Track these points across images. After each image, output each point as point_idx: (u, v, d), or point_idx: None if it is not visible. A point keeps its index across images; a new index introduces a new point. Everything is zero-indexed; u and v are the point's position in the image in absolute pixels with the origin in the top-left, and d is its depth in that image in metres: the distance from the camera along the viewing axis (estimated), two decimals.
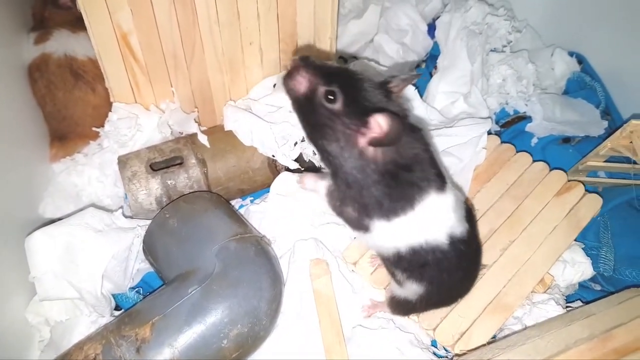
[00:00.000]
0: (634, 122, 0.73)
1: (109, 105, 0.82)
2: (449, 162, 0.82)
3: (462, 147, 0.83)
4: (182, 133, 0.85)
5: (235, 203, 0.85)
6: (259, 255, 0.66)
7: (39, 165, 0.83)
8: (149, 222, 0.72)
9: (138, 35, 0.75)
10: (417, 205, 0.56)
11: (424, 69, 1.10)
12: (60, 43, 0.82)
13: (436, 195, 0.57)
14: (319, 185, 0.64)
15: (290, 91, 0.57)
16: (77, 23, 0.83)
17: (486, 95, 0.98)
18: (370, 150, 0.55)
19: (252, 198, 0.86)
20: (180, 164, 0.78)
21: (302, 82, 0.56)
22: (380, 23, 1.06)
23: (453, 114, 0.95)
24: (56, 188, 0.81)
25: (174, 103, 0.84)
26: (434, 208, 0.57)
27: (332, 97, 0.54)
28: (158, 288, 0.67)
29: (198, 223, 0.69)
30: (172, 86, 0.83)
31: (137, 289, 0.74)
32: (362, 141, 0.54)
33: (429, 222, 0.58)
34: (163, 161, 0.78)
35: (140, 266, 0.74)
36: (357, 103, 0.54)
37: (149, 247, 0.70)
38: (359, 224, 0.60)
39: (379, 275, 0.74)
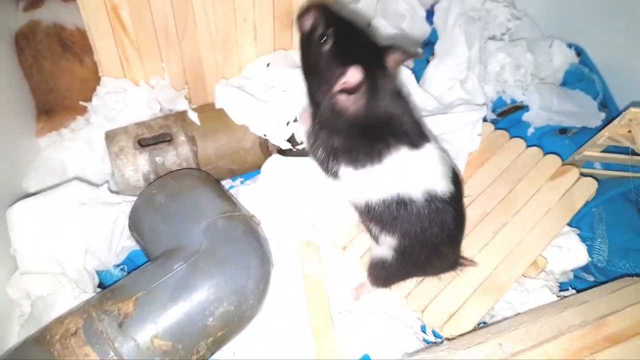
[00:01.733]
0: (633, 109, 0.72)
1: (97, 79, 0.80)
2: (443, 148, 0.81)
3: (456, 133, 0.82)
4: (171, 111, 0.83)
5: (225, 184, 0.83)
6: (247, 234, 0.65)
7: (24, 139, 0.80)
8: (135, 198, 0.70)
9: (129, 8, 0.73)
10: (385, 159, 0.59)
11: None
12: (51, 11, 0.80)
13: (408, 150, 0.60)
14: (307, 122, 0.66)
15: (299, 26, 0.61)
16: None
17: (483, 83, 0.96)
18: (344, 98, 0.58)
19: (242, 179, 0.84)
20: (169, 140, 0.76)
21: (307, 20, 0.60)
22: (378, 7, 1.04)
23: (449, 100, 0.93)
24: (41, 163, 0.79)
25: (164, 79, 0.82)
26: (406, 163, 0.60)
27: (325, 39, 0.58)
28: (143, 264, 0.66)
29: (186, 200, 0.67)
30: (162, 62, 0.81)
31: (121, 267, 0.72)
32: (337, 86, 0.57)
33: (401, 176, 0.60)
34: (152, 137, 0.76)
35: (126, 244, 0.73)
36: (344, 51, 0.58)
37: (135, 224, 0.68)
38: (328, 168, 0.63)
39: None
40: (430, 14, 1.08)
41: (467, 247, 0.72)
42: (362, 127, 0.59)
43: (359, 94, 0.57)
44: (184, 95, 0.80)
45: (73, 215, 0.64)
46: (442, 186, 0.61)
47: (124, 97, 0.78)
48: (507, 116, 0.99)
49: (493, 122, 0.96)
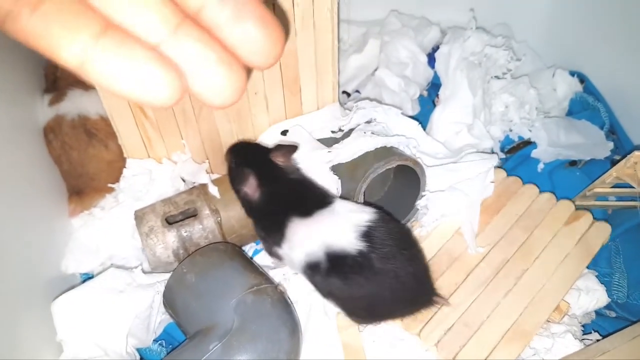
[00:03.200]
0: (637, 153, 0.75)
1: (122, 160, 0.85)
2: (457, 198, 0.84)
3: (469, 182, 0.84)
4: (194, 183, 0.87)
5: (250, 248, 0.87)
6: (275, 307, 0.68)
7: (58, 221, 0.85)
8: (167, 275, 0.74)
9: None
10: (286, 233, 0.72)
11: (427, 98, 1.12)
12: (74, 103, 0.86)
13: (299, 219, 0.71)
14: None
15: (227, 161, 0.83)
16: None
17: (489, 125, 0.99)
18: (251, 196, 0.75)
19: None
20: (194, 215, 0.80)
21: (227, 156, 0.83)
22: (381, 58, 1.08)
23: (457, 146, 0.96)
24: (76, 243, 0.84)
25: (185, 154, 0.87)
26: (301, 230, 0.71)
27: (233, 160, 0.80)
28: (180, 343, 0.70)
29: (215, 277, 0.71)
30: (182, 139, 0.86)
31: (159, 342, 0.76)
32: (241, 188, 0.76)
33: (299, 244, 0.71)
34: (178, 214, 0.80)
35: (162, 318, 0.77)
36: (243, 162, 0.78)
37: (169, 302, 0.72)
38: (270, 251, 0.79)
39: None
40: (431, 58, 1.11)
41: (492, 292, 0.75)
42: (267, 210, 0.75)
43: (252, 184, 0.74)
44: (205, 169, 0.85)
45: (112, 303, 0.68)
46: (345, 242, 0.67)
47: (149, 176, 0.83)
48: (515, 153, 1.01)
49: (502, 160, 0.99)
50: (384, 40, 1.09)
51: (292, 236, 0.72)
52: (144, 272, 0.75)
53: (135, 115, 0.80)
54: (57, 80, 0.89)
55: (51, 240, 0.82)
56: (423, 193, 0.85)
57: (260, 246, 0.87)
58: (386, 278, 0.67)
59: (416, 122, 0.90)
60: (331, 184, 0.81)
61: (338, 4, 0.79)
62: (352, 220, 0.69)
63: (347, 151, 0.82)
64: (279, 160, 0.77)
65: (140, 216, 0.79)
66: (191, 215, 0.81)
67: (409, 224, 0.87)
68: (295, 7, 0.76)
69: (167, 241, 0.78)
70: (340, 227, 0.69)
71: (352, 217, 0.70)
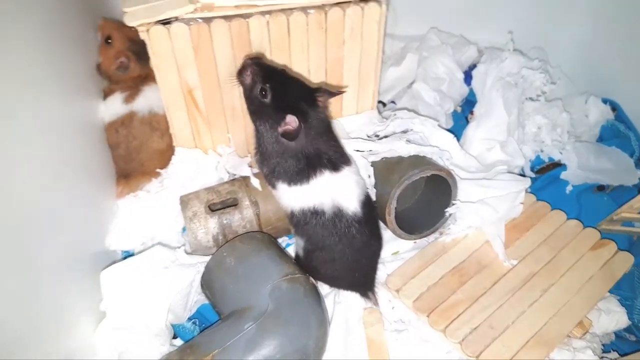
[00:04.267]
0: None
1: (172, 150, 0.91)
2: (486, 212, 0.87)
3: (499, 199, 0.87)
4: (236, 175, 0.92)
5: (282, 241, 0.92)
6: (307, 296, 0.72)
7: (106, 201, 0.91)
8: (206, 258, 0.79)
9: (202, 90, 0.84)
10: (311, 180, 0.75)
11: (460, 114, 1.16)
12: (147, 100, 0.92)
13: (329, 174, 0.75)
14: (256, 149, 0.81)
15: (240, 81, 0.77)
16: None
17: (522, 144, 1.02)
18: (285, 138, 0.72)
19: None
20: (235, 205, 0.85)
21: (247, 77, 0.75)
22: (418, 72, 1.12)
23: (489, 161, 0.99)
24: (120, 222, 0.89)
25: (229, 148, 0.92)
26: (325, 184, 0.75)
27: (264, 93, 0.73)
28: (215, 322, 0.74)
29: (252, 262, 0.75)
30: (228, 133, 0.91)
31: (193, 320, 0.80)
32: (279, 130, 0.72)
33: (320, 193, 0.75)
34: (220, 202, 0.85)
35: (197, 298, 0.81)
36: (281, 101, 0.73)
37: (207, 283, 0.77)
38: (269, 181, 0.80)
39: (422, 302, 0.79)
40: (467, 76, 1.15)
41: (519, 301, 0.78)
42: (298, 158, 0.75)
43: (296, 134, 0.71)
44: (248, 163, 0.90)
45: (157, 278, 0.73)
46: (350, 205, 0.76)
47: (195, 165, 0.88)
48: (545, 173, 1.04)
49: (532, 179, 1.02)
50: (423, 56, 1.13)
51: (314, 184, 0.75)
52: (185, 252, 0.80)
53: (188, 108, 0.86)
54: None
55: (99, 217, 0.87)
56: (453, 202, 0.88)
57: (291, 240, 0.92)
58: (356, 247, 0.77)
59: (452, 135, 0.94)
60: (363, 170, 0.85)
61: (385, 17, 0.84)
62: (360, 186, 0.79)
63: (381, 148, 0.87)
64: (321, 101, 0.75)
65: (185, 201, 0.84)
66: (232, 204, 0.85)
67: (437, 232, 0.91)
68: (345, 18, 0.81)
69: (209, 226, 0.82)
70: (351, 190, 0.77)
71: (360, 182, 0.79)
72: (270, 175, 0.78)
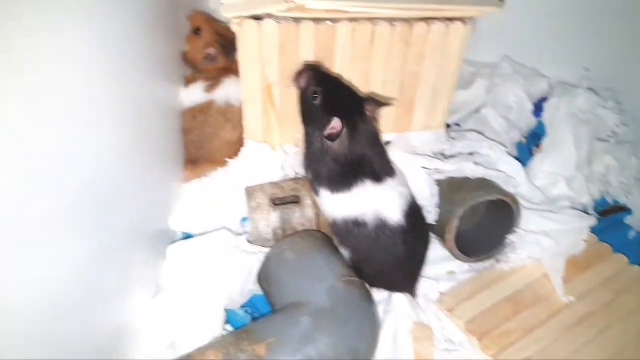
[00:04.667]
0: None
1: (240, 142, 0.94)
2: (547, 244, 0.86)
3: (562, 233, 0.86)
4: (298, 174, 0.94)
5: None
6: (362, 300, 0.72)
7: (173, 183, 0.93)
8: (265, 249, 0.80)
9: (280, 87, 0.86)
10: (353, 189, 0.77)
11: (524, 145, 1.15)
12: (226, 91, 0.95)
13: (371, 184, 0.77)
14: (301, 154, 0.83)
15: (295, 84, 0.80)
16: None
17: (588, 183, 1.00)
18: (330, 140, 0.74)
19: None
20: (297, 202, 0.86)
21: (302, 80, 0.79)
22: (488, 98, 1.13)
23: (553, 195, 0.98)
24: (184, 205, 0.92)
25: (296, 147, 0.94)
26: (368, 193, 0.76)
27: (315, 96, 0.76)
28: (268, 312, 0.75)
29: (311, 258, 0.76)
30: (297, 133, 0.93)
31: (245, 308, 0.81)
32: (324, 132, 0.74)
33: (361, 202, 0.77)
34: (282, 197, 0.87)
35: (251, 288, 0.82)
36: (330, 105, 0.76)
37: (265, 273, 0.78)
38: (313, 187, 0.82)
39: (475, 325, 0.77)
40: (536, 107, 1.15)
41: (573, 337, 0.76)
42: (341, 162, 0.76)
43: (341, 138, 0.74)
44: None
45: (220, 260, 0.75)
46: (393, 216, 0.77)
47: (262, 159, 0.90)
48: (608, 215, 1.01)
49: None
50: (494, 82, 1.13)
51: (355, 193, 0.77)
52: (247, 241, 0.81)
53: (264, 103, 0.88)
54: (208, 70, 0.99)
55: (164, 198, 0.90)
56: (515, 230, 0.87)
57: None
58: (401, 256, 0.79)
59: (519, 163, 0.93)
60: (425, 187, 0.85)
61: (468, 38, 0.85)
62: (402, 199, 0.79)
63: (448, 167, 0.87)
64: (368, 110, 0.78)
65: (250, 192, 0.86)
66: (293, 201, 0.87)
67: (494, 259, 0.89)
68: (429, 33, 0.83)
69: (270, 219, 0.84)
70: (394, 201, 0.78)
71: (403, 194, 0.80)
72: (314, 181, 0.81)
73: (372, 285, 0.81)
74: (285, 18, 0.79)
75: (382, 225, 0.77)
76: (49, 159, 0.51)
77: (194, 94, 0.96)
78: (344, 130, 0.74)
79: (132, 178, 0.75)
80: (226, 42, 0.94)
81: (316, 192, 0.81)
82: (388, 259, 0.79)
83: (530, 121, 1.14)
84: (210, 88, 0.96)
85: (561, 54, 1.20)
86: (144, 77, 0.80)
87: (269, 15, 0.78)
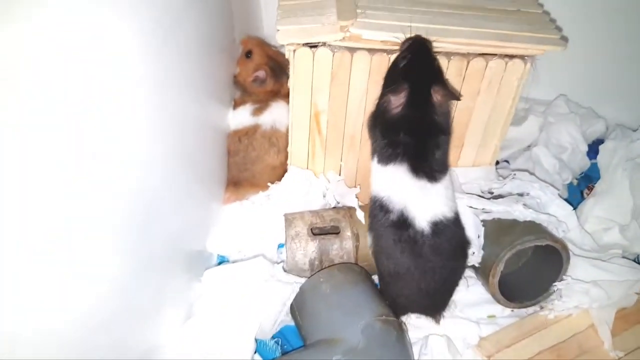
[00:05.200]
0: None
1: (283, 168, 0.93)
2: (597, 295, 0.81)
3: (613, 284, 0.81)
4: (339, 203, 0.92)
5: (374, 278, 0.89)
6: (399, 341, 0.70)
7: (214, 204, 0.94)
8: (302, 279, 0.78)
9: (328, 115, 0.85)
10: (389, 165, 0.74)
11: (576, 187, 1.10)
12: (272, 116, 0.95)
13: (407, 173, 0.73)
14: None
15: (400, 46, 0.77)
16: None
17: None
18: (389, 98, 0.73)
19: None
20: (337, 233, 0.84)
21: (404, 45, 0.76)
22: (542, 136, 1.09)
23: (604, 241, 0.93)
24: (223, 227, 0.92)
25: (339, 176, 0.92)
26: (400, 180, 0.73)
27: (404, 60, 0.74)
28: (299, 347, 0.73)
29: (348, 294, 0.74)
30: (341, 161, 0.92)
31: (276, 339, 0.79)
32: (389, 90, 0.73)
33: (390, 184, 0.74)
34: (322, 227, 0.85)
35: (283, 318, 0.80)
36: (408, 70, 0.73)
37: (299, 305, 0.76)
38: (372, 152, 0.79)
39: None
40: (591, 149, 1.10)
41: None
42: (390, 126, 0.74)
43: (400, 101, 0.72)
44: (355, 194, 0.89)
45: (254, 289, 0.74)
46: (422, 221, 0.73)
47: (305, 186, 0.89)
48: None
49: None
50: (548, 121, 1.09)
51: (391, 172, 0.74)
52: (283, 269, 0.80)
53: (311, 130, 0.87)
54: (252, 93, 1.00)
55: (204, 218, 0.90)
56: (564, 278, 0.82)
57: None
58: (424, 265, 0.74)
59: (571, 207, 0.89)
60: (473, 228, 0.82)
61: (527, 76, 0.82)
62: (438, 208, 0.75)
63: (496, 209, 0.83)
64: (436, 96, 0.74)
65: (290, 220, 0.85)
66: (333, 232, 0.85)
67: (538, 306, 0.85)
68: (487, 69, 0.80)
69: (308, 249, 0.82)
70: (428, 205, 0.74)
71: (440, 203, 0.75)
72: (372, 142, 0.79)
73: (389, 293, 0.79)
74: (340, 47, 0.78)
75: (405, 222, 0.73)
76: (101, 171, 0.51)
77: (241, 117, 0.97)
78: (406, 96, 0.72)
79: (175, 195, 0.75)
80: (276, 66, 0.94)
81: (372, 158, 0.79)
82: (407, 262, 0.74)
83: (584, 163, 1.09)
84: (257, 112, 0.96)
85: (620, 95, 1.15)
86: (195, 97, 0.81)
87: (324, 44, 0.77)
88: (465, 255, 0.80)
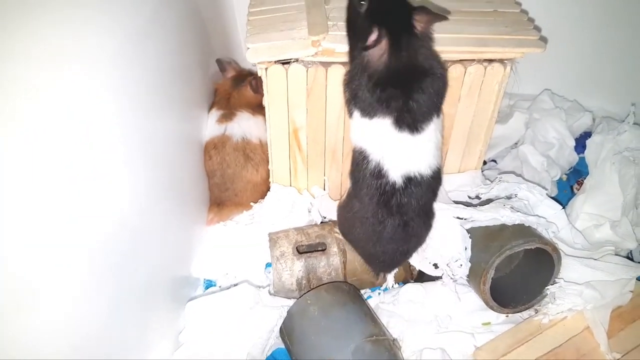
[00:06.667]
0: None
1: (266, 184, 0.91)
2: (591, 296, 0.80)
3: (607, 284, 0.80)
4: (325, 218, 0.90)
5: (364, 292, 0.88)
6: None
7: (196, 226, 0.92)
8: (289, 302, 0.77)
9: (308, 131, 0.83)
10: (374, 118, 0.69)
11: (566, 182, 1.08)
12: (241, 125, 0.92)
13: (389, 125, 0.68)
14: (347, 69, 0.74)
15: None
16: (258, 107, 0.93)
17: (635, 226, 0.93)
18: (370, 53, 0.66)
19: (379, 291, 0.88)
20: (323, 250, 0.83)
21: None
22: (527, 134, 1.07)
23: (596, 238, 0.92)
24: (207, 250, 0.90)
25: (323, 190, 0.91)
26: (379, 131, 0.69)
27: (362, 3, 0.67)
28: None
29: (337, 316, 0.72)
30: (325, 175, 0.90)
31: None
32: (365, 44, 0.65)
33: (372, 137, 0.70)
34: (308, 245, 0.83)
35: (274, 342, 0.79)
36: (375, 13, 0.66)
37: (287, 329, 0.74)
38: (348, 108, 0.73)
39: None
40: (578, 143, 1.08)
41: None
42: (375, 82, 0.67)
43: (380, 51, 0.65)
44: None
45: (241, 317, 0.72)
46: (395, 174, 0.70)
47: (288, 204, 0.87)
48: None
49: None
50: (534, 118, 1.08)
51: (375, 125, 0.69)
52: (269, 293, 0.78)
53: (291, 147, 0.86)
54: (230, 99, 0.97)
55: (187, 242, 0.88)
56: (556, 280, 0.81)
57: (374, 292, 0.88)
58: (389, 220, 0.72)
59: (560, 207, 0.88)
60: (460, 241, 0.80)
61: (508, 79, 0.80)
62: (414, 163, 0.71)
63: (483, 216, 0.82)
64: (419, 25, 0.67)
65: (274, 239, 0.83)
66: (319, 249, 0.84)
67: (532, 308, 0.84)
68: (466, 75, 0.78)
69: (294, 269, 0.81)
70: (400, 160, 0.71)
71: (418, 158, 0.72)
72: (350, 101, 0.72)
73: (350, 238, 0.80)
74: (314, 62, 0.76)
75: (379, 173, 0.70)
76: (81, 201, 0.51)
77: (209, 127, 0.94)
78: (386, 42, 0.65)
79: (158, 222, 0.73)
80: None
81: (350, 114, 0.73)
82: (375, 212, 0.72)
83: (573, 158, 1.07)
84: (223, 119, 0.93)
85: (604, 86, 1.13)
86: (170, 118, 0.79)
87: (296, 60, 0.75)
88: (428, 224, 0.78)
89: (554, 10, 1.02)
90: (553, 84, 1.15)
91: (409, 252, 0.79)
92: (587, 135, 1.10)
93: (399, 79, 0.67)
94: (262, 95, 0.90)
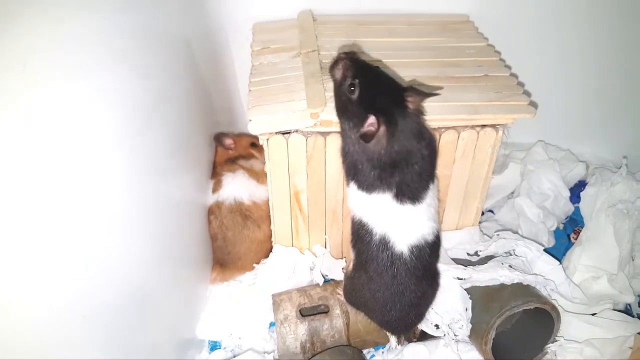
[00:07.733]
0: None
1: (269, 242, 0.93)
2: (590, 354, 0.81)
3: (606, 341, 0.81)
4: (327, 276, 0.92)
5: (368, 351, 0.89)
6: None
7: (200, 285, 0.93)
8: None
9: (308, 193, 0.85)
10: (373, 194, 0.71)
11: (562, 231, 1.10)
12: (230, 190, 0.95)
13: (391, 199, 0.71)
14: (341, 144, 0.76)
15: (331, 75, 0.72)
16: (234, 161, 0.98)
17: (631, 279, 0.95)
18: (367, 139, 0.67)
19: (382, 351, 0.89)
20: (326, 312, 0.84)
21: (338, 72, 0.71)
22: (523, 185, 1.09)
23: (594, 290, 0.93)
24: (212, 310, 0.91)
25: (325, 248, 0.92)
26: (381, 205, 0.71)
27: (352, 89, 0.68)
28: None
29: None
30: (326, 234, 0.92)
31: None
32: (361, 130, 0.67)
33: (374, 211, 0.73)
34: (311, 307, 0.85)
35: None
36: (368, 99, 0.68)
37: None
38: (346, 177, 0.75)
39: None
40: (573, 193, 1.11)
41: None
42: (374, 164, 0.69)
43: (378, 137, 0.66)
44: (342, 267, 0.89)
45: None
46: (402, 245, 0.72)
47: (291, 265, 0.89)
48: None
49: (639, 316, 0.94)
50: (528, 169, 1.10)
51: (376, 200, 0.71)
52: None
53: (292, 209, 0.88)
54: (216, 166, 1.00)
55: (192, 302, 0.90)
56: (556, 339, 0.82)
57: (377, 352, 0.89)
58: (399, 286, 0.75)
59: (557, 262, 0.89)
60: (460, 301, 0.82)
61: (500, 142, 0.83)
62: (418, 231, 0.74)
63: (482, 277, 0.83)
64: (412, 104, 0.68)
65: (277, 302, 0.84)
66: (322, 311, 0.85)
67: None
68: (459, 140, 0.81)
69: (298, 332, 0.82)
70: (408, 229, 0.73)
71: (421, 225, 0.74)
72: (347, 173, 0.74)
73: (362, 307, 0.80)
74: (312, 132, 0.79)
75: (384, 245, 0.73)
76: (90, 262, 0.52)
77: (209, 198, 0.97)
78: (382, 129, 0.66)
79: (163, 287, 0.75)
80: None
81: (347, 184, 0.75)
82: (384, 281, 0.75)
83: (568, 208, 1.09)
84: (215, 187, 0.96)
85: (597, 134, 1.16)
86: (174, 181, 0.81)
87: (296, 130, 0.78)
88: (435, 284, 0.80)
89: (548, 56, 1.06)
90: (546, 133, 1.17)
91: (422, 314, 0.81)
92: (581, 184, 1.12)
93: (397, 159, 0.69)
94: (230, 147, 0.99)
